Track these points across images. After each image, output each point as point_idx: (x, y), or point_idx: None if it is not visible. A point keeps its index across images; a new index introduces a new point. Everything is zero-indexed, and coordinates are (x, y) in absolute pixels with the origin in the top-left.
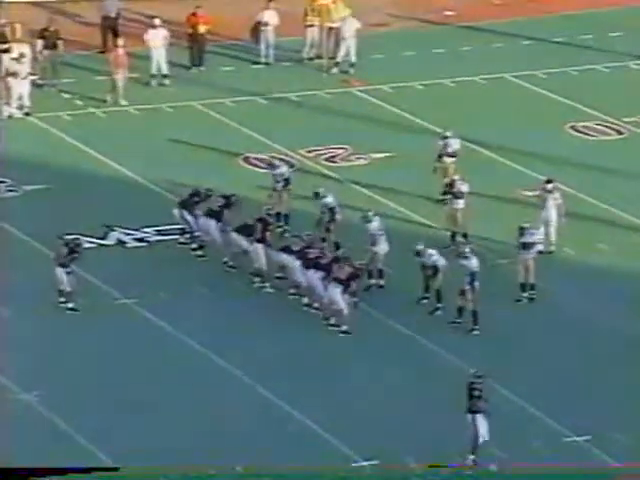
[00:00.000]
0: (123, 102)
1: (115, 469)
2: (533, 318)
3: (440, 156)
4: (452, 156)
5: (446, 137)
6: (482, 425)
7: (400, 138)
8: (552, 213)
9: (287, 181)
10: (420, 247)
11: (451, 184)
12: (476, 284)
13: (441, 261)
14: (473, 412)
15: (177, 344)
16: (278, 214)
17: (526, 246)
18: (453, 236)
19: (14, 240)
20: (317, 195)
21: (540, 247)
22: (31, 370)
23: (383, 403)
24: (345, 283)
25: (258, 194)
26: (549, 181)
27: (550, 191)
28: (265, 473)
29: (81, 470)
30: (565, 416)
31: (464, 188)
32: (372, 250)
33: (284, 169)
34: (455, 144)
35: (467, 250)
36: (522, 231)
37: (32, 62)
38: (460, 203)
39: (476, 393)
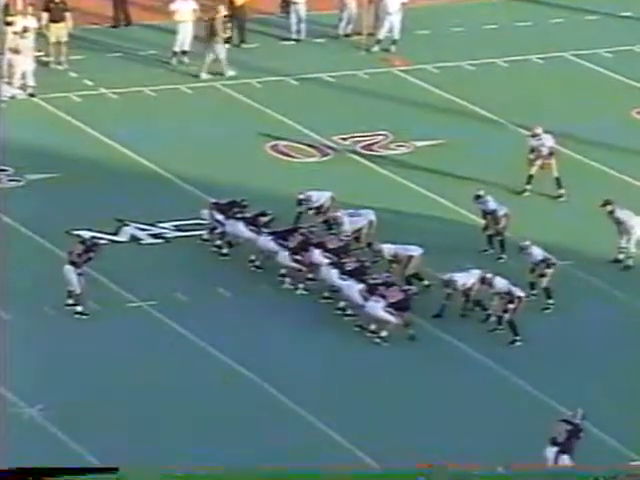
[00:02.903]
0: (231, 72)
1: (115, 469)
2: (594, 327)
3: (532, 150)
4: (550, 154)
5: (536, 135)
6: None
7: (447, 124)
8: (633, 224)
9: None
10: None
11: (558, 179)
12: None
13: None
14: (564, 452)
15: (196, 351)
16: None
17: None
18: (490, 239)
19: (16, 235)
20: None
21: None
22: (33, 379)
23: (419, 415)
24: (397, 307)
25: (286, 187)
26: (607, 203)
27: (612, 212)
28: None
29: (79, 470)
30: (630, 437)
31: (491, 205)
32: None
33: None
34: (549, 141)
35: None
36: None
37: (37, 37)
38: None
39: (581, 435)
